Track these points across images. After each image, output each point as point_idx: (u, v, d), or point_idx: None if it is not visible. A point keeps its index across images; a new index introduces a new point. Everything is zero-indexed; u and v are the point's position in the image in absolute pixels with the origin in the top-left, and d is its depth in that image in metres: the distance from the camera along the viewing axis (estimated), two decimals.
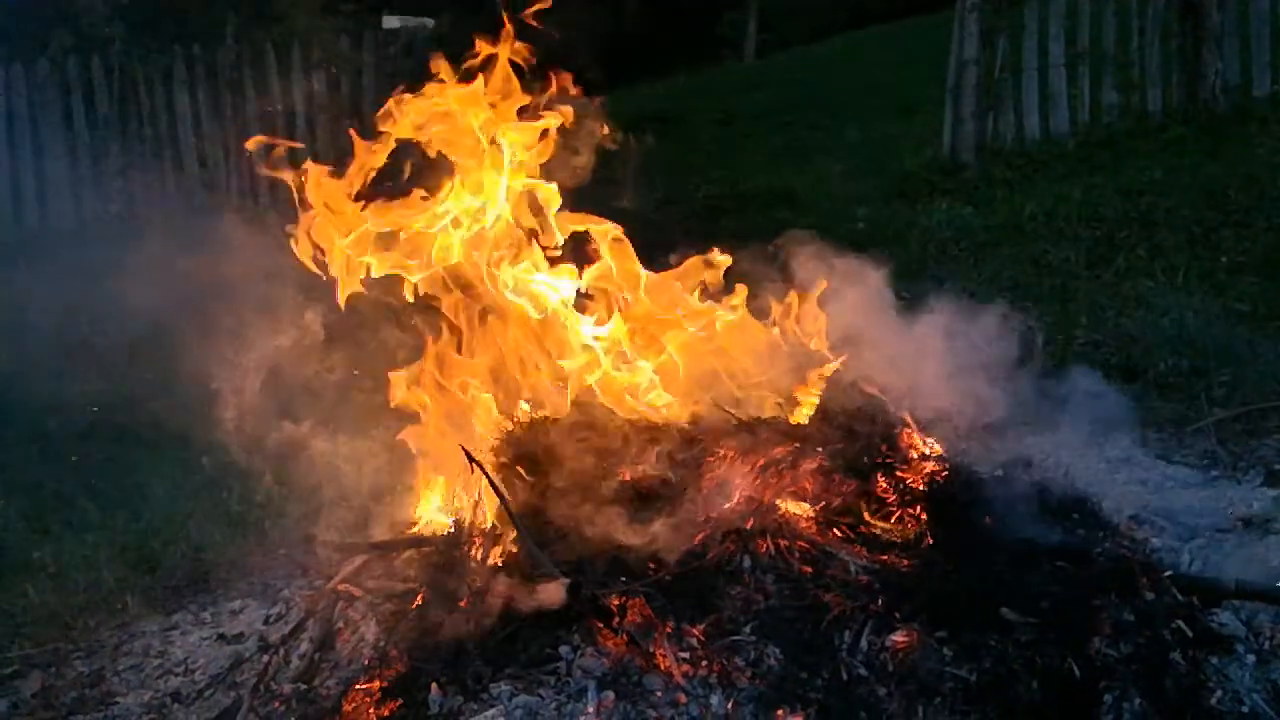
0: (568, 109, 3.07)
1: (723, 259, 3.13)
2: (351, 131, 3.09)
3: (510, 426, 2.98)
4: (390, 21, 9.83)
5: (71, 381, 5.38)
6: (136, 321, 5.34)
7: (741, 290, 3.11)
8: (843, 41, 17.42)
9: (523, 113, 3.06)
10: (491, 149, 3.02)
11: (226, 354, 3.50)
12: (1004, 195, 7.40)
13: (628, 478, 2.72)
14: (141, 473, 4.37)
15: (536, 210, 3.09)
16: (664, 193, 8.65)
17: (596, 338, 3.04)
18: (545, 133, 3.07)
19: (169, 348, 3.70)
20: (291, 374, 3.56)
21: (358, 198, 2.99)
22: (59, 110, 9.32)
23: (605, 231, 3.08)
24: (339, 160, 3.04)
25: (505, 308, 3.04)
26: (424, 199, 3.02)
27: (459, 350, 3.12)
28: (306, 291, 3.32)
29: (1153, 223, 6.40)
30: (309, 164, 3.02)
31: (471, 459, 2.78)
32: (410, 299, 3.05)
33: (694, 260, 3.14)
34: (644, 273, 3.09)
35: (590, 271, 3.07)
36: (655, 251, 3.21)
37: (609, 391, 3.02)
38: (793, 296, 3.14)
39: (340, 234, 2.96)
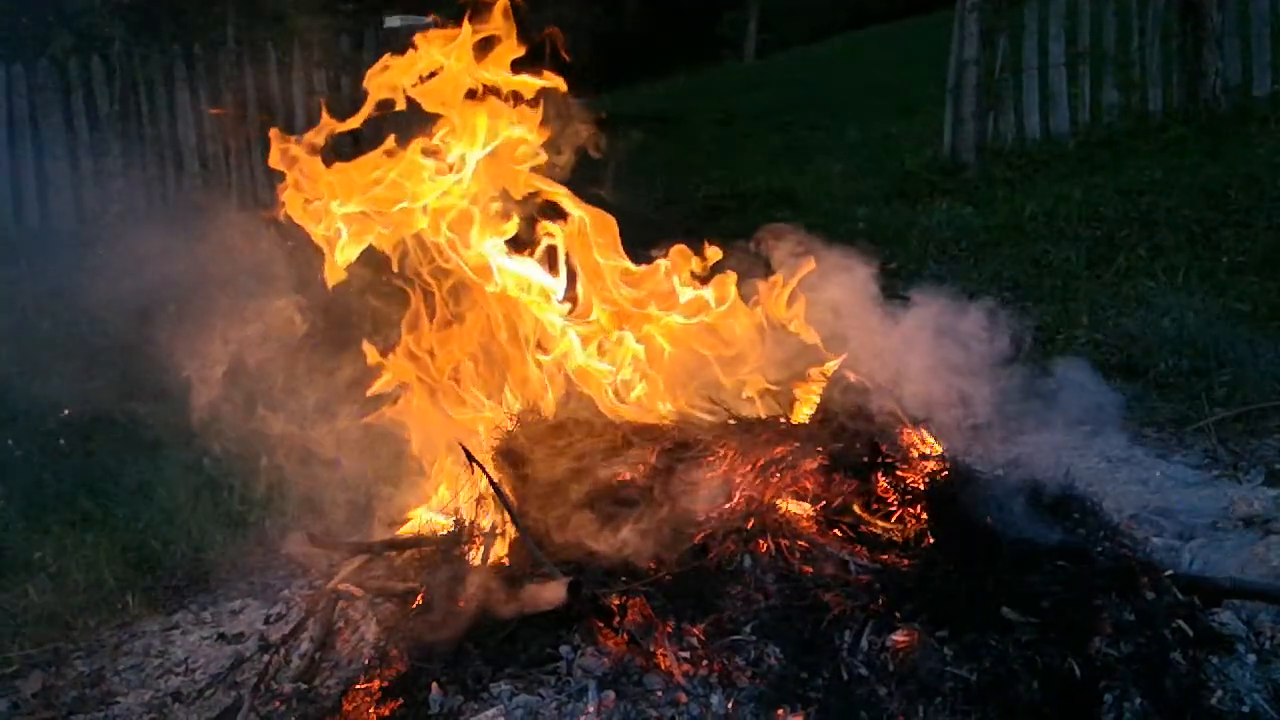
0: (560, 79, 3.00)
1: (712, 251, 3.11)
2: (322, 101, 3.05)
3: (509, 425, 2.98)
4: (392, 21, 9.83)
5: (71, 380, 5.38)
6: (137, 320, 5.34)
7: (730, 277, 3.09)
8: (843, 41, 17.45)
9: (517, 67, 2.99)
10: (475, 103, 2.95)
11: (227, 352, 3.50)
12: (1004, 195, 7.40)
13: (627, 478, 2.72)
14: (141, 473, 4.37)
15: (518, 177, 3.02)
16: (664, 193, 8.66)
17: (575, 320, 3.02)
18: (538, 96, 2.99)
19: (169, 346, 3.69)
20: (291, 370, 3.56)
21: (326, 160, 2.94)
22: (59, 110, 9.32)
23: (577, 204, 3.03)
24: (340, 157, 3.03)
25: (481, 286, 3.00)
26: (391, 153, 2.94)
27: (440, 329, 3.08)
28: (305, 286, 3.32)
29: (1153, 222, 6.40)
30: (272, 132, 2.98)
31: (471, 458, 2.78)
32: (394, 270, 3.02)
33: (679, 249, 3.10)
34: (628, 263, 3.07)
35: (567, 228, 3.00)
36: (655, 251, 3.20)
37: (596, 386, 3.01)
38: (776, 282, 3.10)
39: (312, 214, 2.92)
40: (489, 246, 2.98)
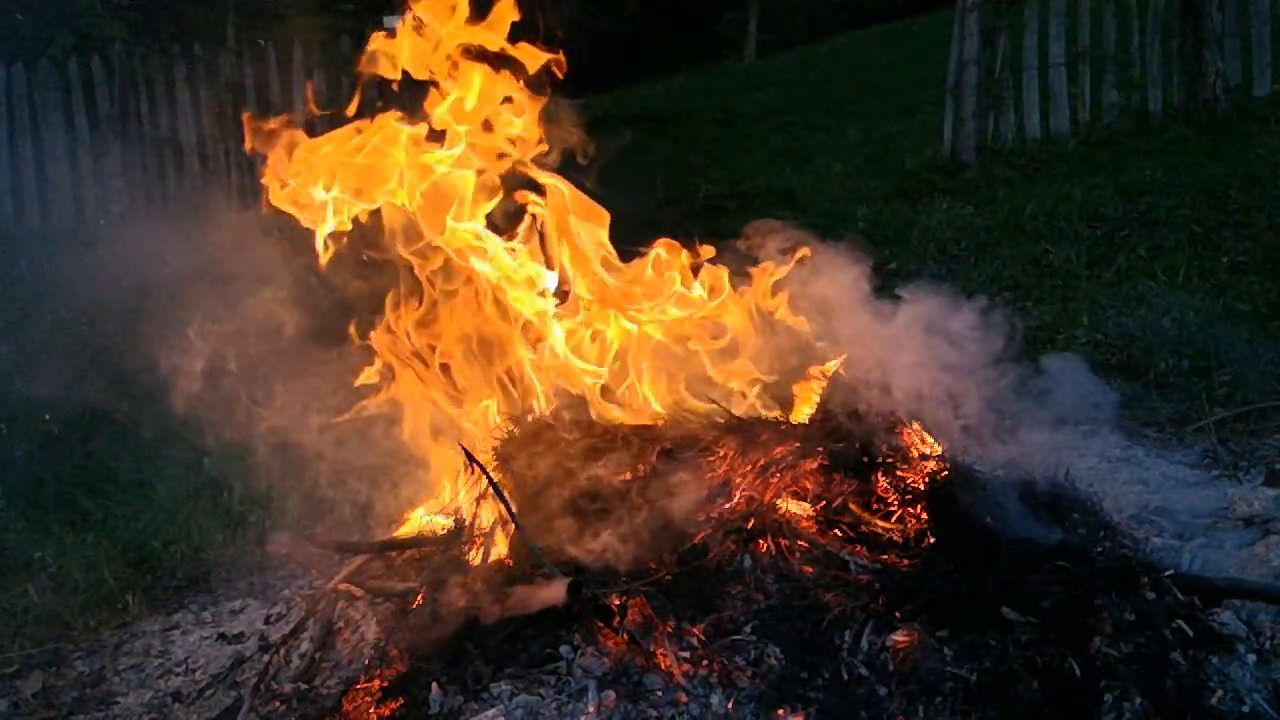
0: (553, 54, 2.97)
1: (705, 248, 3.11)
2: (308, 84, 3.04)
3: (507, 425, 2.98)
4: (391, 21, 9.83)
5: (72, 380, 5.38)
6: (137, 320, 5.34)
7: (721, 270, 3.08)
8: (843, 41, 17.44)
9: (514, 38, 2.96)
10: (466, 68, 2.92)
11: (227, 351, 3.50)
12: (1004, 195, 7.40)
13: (628, 477, 2.71)
14: (141, 472, 4.37)
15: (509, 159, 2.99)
16: (664, 192, 8.66)
17: (563, 312, 3.00)
18: (539, 79, 2.96)
19: (169, 346, 3.70)
20: (291, 367, 3.56)
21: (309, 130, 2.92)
22: (59, 110, 9.32)
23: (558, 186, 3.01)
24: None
25: (470, 272, 2.98)
26: (364, 126, 2.92)
27: (429, 316, 3.07)
28: (303, 281, 3.31)
29: (1153, 222, 6.40)
30: (245, 116, 2.97)
31: (471, 459, 2.78)
32: (382, 253, 3.00)
33: (669, 244, 3.09)
34: (617, 257, 3.05)
35: (555, 217, 2.97)
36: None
37: (587, 384, 3.00)
38: (766, 269, 3.09)
39: (294, 199, 2.90)
40: (471, 229, 2.95)
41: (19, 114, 9.25)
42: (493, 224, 3.00)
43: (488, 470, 2.75)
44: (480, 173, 2.97)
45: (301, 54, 9.53)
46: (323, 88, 9.33)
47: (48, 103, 9.28)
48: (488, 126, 2.97)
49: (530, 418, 3.01)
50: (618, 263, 3.06)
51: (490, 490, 2.73)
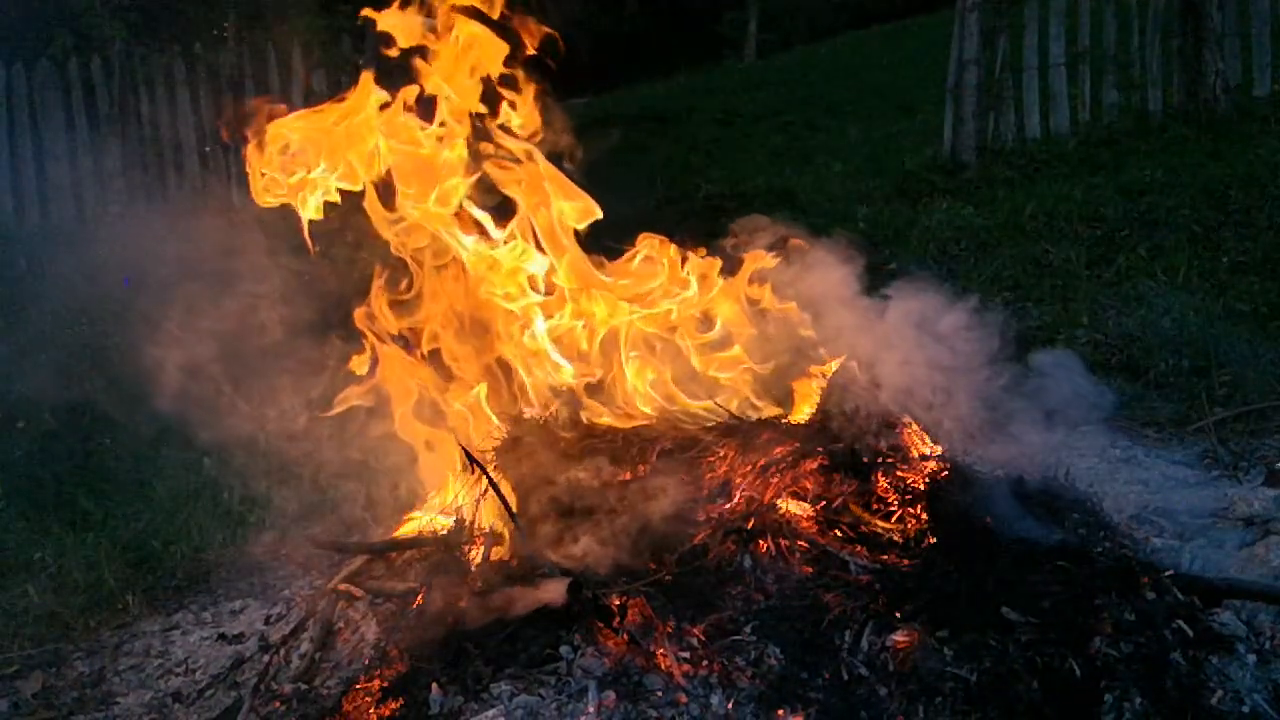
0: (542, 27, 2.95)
1: (698, 246, 3.10)
2: (304, 74, 3.03)
3: (509, 426, 2.98)
4: None
5: (71, 380, 5.38)
6: (136, 320, 5.35)
7: (714, 262, 3.07)
8: (843, 41, 17.44)
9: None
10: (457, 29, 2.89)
11: (227, 351, 3.50)
12: (1005, 195, 7.40)
13: (628, 477, 2.71)
14: (141, 472, 4.36)
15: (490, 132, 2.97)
16: (664, 192, 8.66)
17: (551, 305, 2.99)
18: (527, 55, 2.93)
19: (169, 346, 3.70)
20: (291, 366, 3.56)
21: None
22: (59, 110, 9.32)
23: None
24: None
25: (453, 253, 2.95)
26: (341, 100, 2.89)
27: (415, 298, 3.05)
28: (300, 280, 3.31)
29: (1153, 222, 6.40)
30: (223, 102, 2.98)
31: (472, 459, 2.78)
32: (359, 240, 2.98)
33: (660, 240, 3.08)
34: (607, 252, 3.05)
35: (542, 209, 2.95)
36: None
37: (578, 382, 3.00)
38: (757, 257, 3.08)
39: (275, 188, 2.88)
40: (451, 209, 2.93)
41: (19, 114, 9.23)
42: (478, 203, 2.98)
43: (487, 470, 2.75)
44: (465, 144, 2.94)
45: (301, 54, 9.53)
46: (323, 88, 9.32)
47: (48, 103, 9.27)
48: (480, 99, 2.94)
49: (528, 416, 3.01)
50: (606, 256, 3.06)
51: (490, 490, 2.73)
